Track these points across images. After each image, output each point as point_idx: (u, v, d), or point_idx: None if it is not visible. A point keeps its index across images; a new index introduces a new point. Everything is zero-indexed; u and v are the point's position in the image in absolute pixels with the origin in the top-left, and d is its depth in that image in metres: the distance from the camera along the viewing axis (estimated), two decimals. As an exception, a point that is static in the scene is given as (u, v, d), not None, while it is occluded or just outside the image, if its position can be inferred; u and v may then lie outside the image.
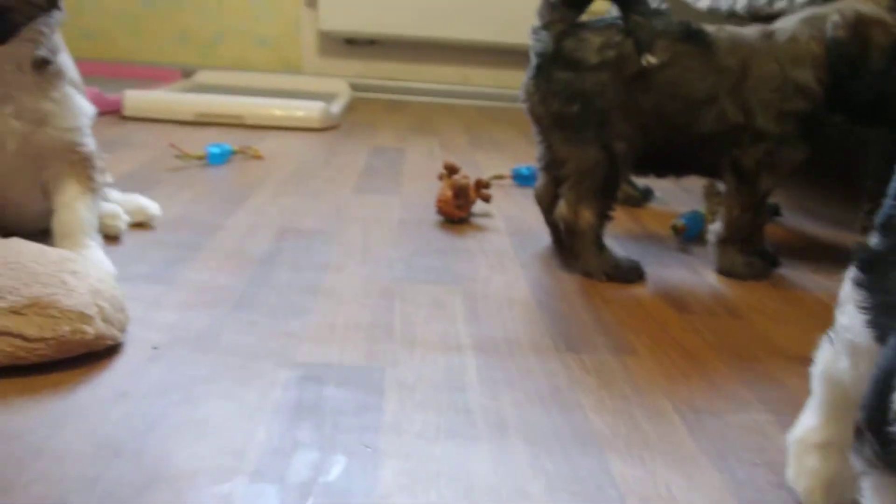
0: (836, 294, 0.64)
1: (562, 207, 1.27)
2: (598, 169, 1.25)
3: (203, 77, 3.20)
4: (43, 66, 1.11)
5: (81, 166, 1.16)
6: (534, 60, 1.28)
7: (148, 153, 1.93)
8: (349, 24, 3.44)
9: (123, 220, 1.29)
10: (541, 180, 1.39)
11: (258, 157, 1.94)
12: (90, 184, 1.18)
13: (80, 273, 0.88)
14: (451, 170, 1.54)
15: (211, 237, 1.32)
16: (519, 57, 3.60)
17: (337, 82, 3.26)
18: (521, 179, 1.87)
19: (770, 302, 1.23)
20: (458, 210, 1.50)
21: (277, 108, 2.45)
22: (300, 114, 2.44)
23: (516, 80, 3.78)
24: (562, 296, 1.19)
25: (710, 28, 1.29)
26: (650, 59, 1.22)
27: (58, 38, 1.16)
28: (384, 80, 3.59)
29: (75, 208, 1.15)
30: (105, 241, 1.21)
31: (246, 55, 3.59)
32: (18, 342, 0.80)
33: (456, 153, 2.22)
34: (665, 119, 1.26)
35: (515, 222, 1.55)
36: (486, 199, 1.56)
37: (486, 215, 1.58)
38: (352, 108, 2.96)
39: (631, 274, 1.27)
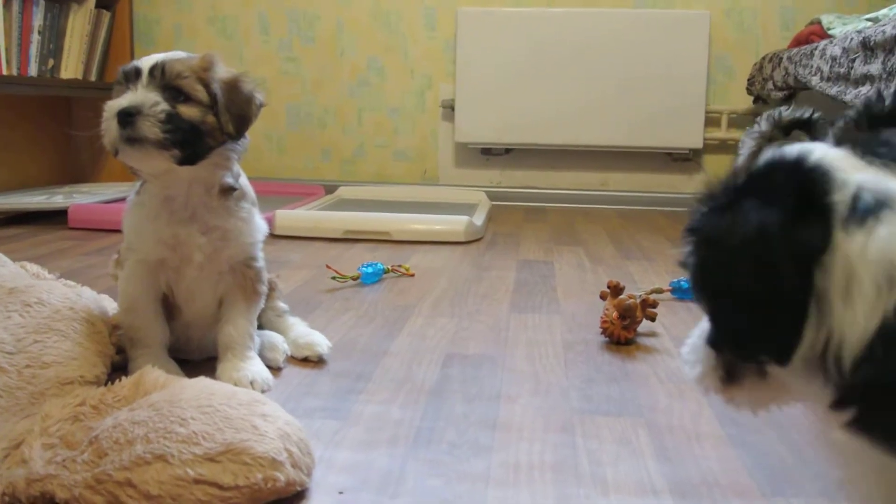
0: None
1: None
2: None
3: (345, 192, 3.30)
4: (228, 192, 1.16)
5: (251, 281, 1.22)
6: None
7: (304, 273, 1.97)
8: (485, 135, 3.50)
9: (282, 352, 1.30)
10: None
11: (409, 275, 1.95)
12: (255, 297, 1.24)
13: (269, 416, 0.87)
14: (616, 290, 1.49)
15: (377, 365, 1.31)
16: (655, 159, 3.58)
17: (475, 192, 3.29)
18: (681, 293, 1.79)
19: None
20: (624, 332, 1.44)
21: (423, 223, 2.47)
22: (445, 228, 2.45)
23: (654, 183, 3.76)
24: (753, 428, 1.10)
25: None
26: None
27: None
28: (521, 188, 3.61)
29: (239, 322, 1.22)
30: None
31: (385, 168, 3.69)
32: (214, 490, 0.79)
33: (606, 265, 2.17)
34: None
35: (684, 342, 1.47)
36: (652, 319, 1.50)
37: (652, 335, 1.51)
38: (491, 217, 2.97)
39: None
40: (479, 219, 2.60)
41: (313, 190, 3.33)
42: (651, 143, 3.45)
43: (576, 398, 1.18)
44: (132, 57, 3.51)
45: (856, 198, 0.56)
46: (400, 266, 1.96)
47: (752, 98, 3.37)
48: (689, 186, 3.54)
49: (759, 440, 1.06)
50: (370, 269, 1.87)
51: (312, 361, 1.31)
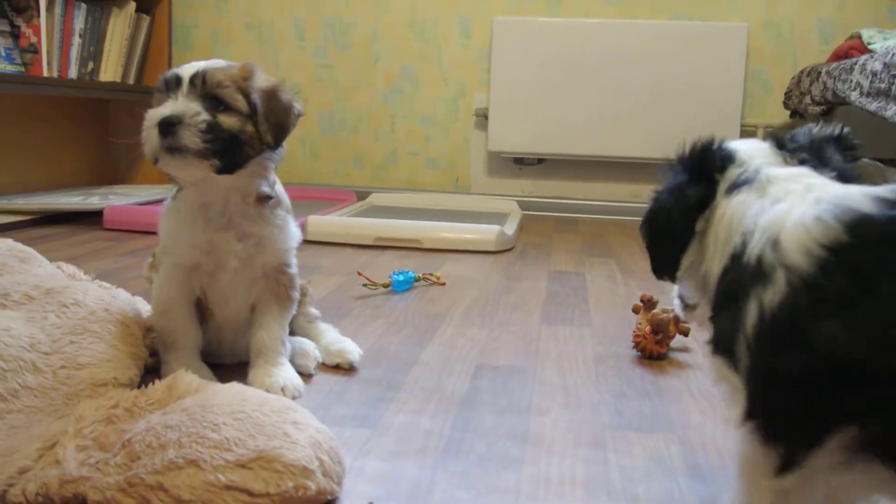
0: None
1: None
2: None
3: (377, 199, 3.31)
4: (265, 200, 1.17)
5: (284, 287, 1.22)
6: None
7: (335, 279, 1.97)
8: (517, 144, 3.49)
9: (314, 358, 1.30)
10: None
11: (440, 284, 1.95)
12: (288, 303, 1.24)
13: (300, 424, 0.87)
14: (649, 304, 1.47)
15: (408, 373, 1.30)
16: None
17: (506, 201, 3.28)
18: (714, 308, 1.77)
19: None
20: (656, 346, 1.42)
21: (454, 232, 2.47)
22: (476, 237, 2.45)
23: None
24: (788, 448, 1.08)
25: None
26: None
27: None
28: (552, 199, 3.59)
29: (272, 328, 1.23)
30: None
31: (416, 176, 3.69)
32: (244, 497, 0.79)
33: (638, 278, 2.15)
34: None
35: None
36: (685, 334, 1.48)
37: (684, 350, 1.50)
38: (522, 227, 2.96)
39: None
40: (510, 228, 2.59)
41: (345, 196, 3.34)
42: (685, 156, 3.41)
43: (607, 413, 1.17)
44: (170, 61, 3.55)
45: (739, 175, 0.78)
46: (431, 274, 1.96)
47: (788, 112, 3.33)
48: (722, 200, 3.51)
49: (794, 461, 1.04)
50: (401, 277, 1.87)
51: (343, 369, 1.31)
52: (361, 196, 3.39)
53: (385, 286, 1.85)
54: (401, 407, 1.16)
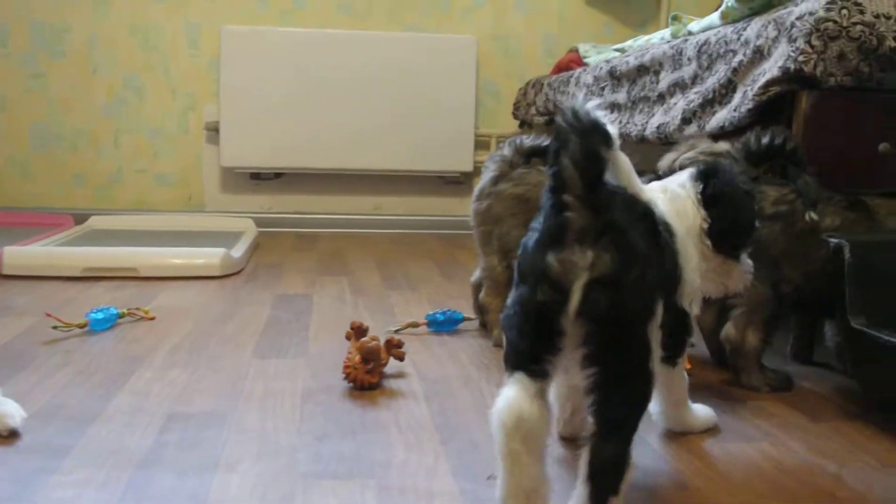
0: None
1: (729, 329, 1.41)
2: (767, 304, 1.39)
3: (97, 222, 3.03)
4: None
5: None
6: None
7: (25, 322, 1.74)
8: (253, 159, 3.36)
9: None
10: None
11: (149, 319, 1.78)
12: None
13: None
14: (359, 331, 1.41)
15: (83, 434, 1.14)
16: (427, 182, 3.58)
17: (242, 219, 3.13)
18: (437, 326, 1.75)
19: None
20: (368, 376, 1.35)
21: (174, 258, 2.30)
22: (199, 262, 2.29)
23: (427, 207, 3.75)
24: (488, 483, 1.05)
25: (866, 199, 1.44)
26: (813, 216, 1.36)
27: None
28: (292, 214, 3.48)
29: None
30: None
31: (146, 195, 3.45)
32: None
33: (368, 296, 2.09)
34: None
35: (432, 382, 1.42)
36: (400, 358, 1.43)
37: (400, 376, 1.44)
38: (257, 246, 2.83)
39: (786, 382, 1.43)
40: (238, 250, 2.45)
41: (61, 220, 3.03)
42: (423, 167, 3.44)
43: (304, 460, 1.08)
44: None
45: None
46: (138, 309, 1.78)
47: (518, 123, 3.45)
48: (460, 209, 3.57)
49: (493, 495, 1.00)
50: (100, 315, 1.68)
51: (2, 437, 1.13)
52: (81, 219, 3.09)
53: (81, 326, 1.65)
54: (64, 479, 1.01)
